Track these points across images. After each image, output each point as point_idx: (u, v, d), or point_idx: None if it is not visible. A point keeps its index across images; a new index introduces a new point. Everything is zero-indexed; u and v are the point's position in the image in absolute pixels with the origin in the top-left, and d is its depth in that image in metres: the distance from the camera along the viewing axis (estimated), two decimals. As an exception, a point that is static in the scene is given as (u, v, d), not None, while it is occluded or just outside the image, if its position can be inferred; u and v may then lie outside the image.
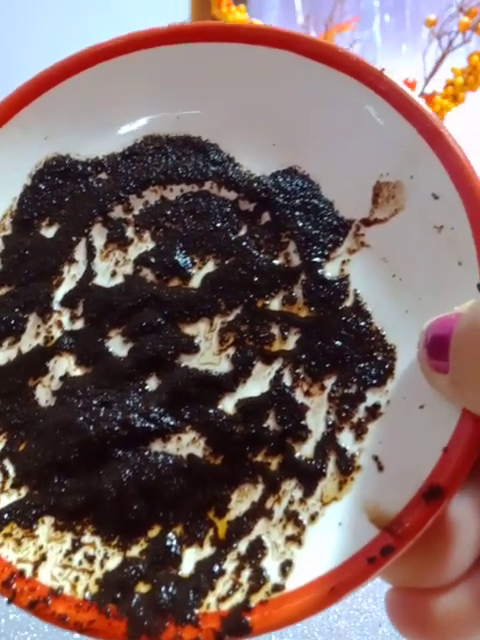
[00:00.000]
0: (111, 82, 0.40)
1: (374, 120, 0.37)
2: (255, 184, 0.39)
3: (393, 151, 0.37)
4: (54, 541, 0.35)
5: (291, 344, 0.37)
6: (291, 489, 0.35)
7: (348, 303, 0.37)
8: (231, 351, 0.37)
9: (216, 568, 0.34)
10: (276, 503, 0.35)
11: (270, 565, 0.34)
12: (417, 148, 0.35)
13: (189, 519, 0.35)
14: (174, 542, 0.35)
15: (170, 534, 0.35)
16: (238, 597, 0.33)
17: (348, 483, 0.34)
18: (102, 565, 0.34)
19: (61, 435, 0.36)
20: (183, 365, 0.37)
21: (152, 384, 0.37)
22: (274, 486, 0.35)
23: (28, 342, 0.39)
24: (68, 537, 0.35)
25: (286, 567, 0.33)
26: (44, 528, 0.35)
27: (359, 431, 0.35)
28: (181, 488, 0.35)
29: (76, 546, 0.35)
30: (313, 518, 0.34)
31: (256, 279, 0.38)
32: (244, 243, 0.39)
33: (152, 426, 0.36)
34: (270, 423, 0.36)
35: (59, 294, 0.39)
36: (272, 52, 0.38)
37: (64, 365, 0.38)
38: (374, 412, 0.35)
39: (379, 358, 0.36)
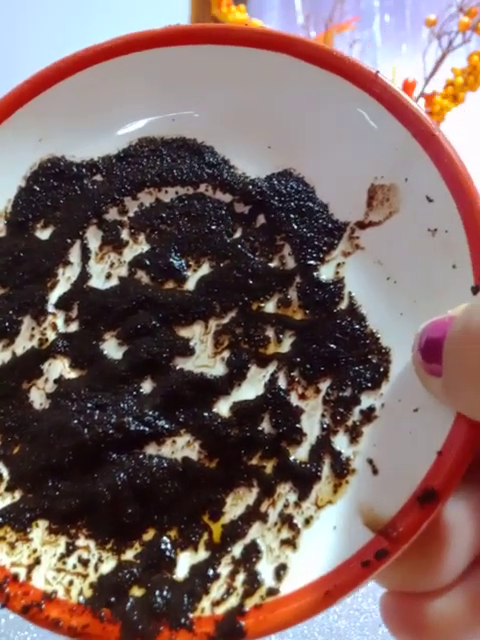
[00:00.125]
0: (106, 84, 0.40)
1: (368, 123, 0.37)
2: (250, 186, 0.39)
3: (387, 154, 0.36)
4: (48, 545, 0.35)
5: (286, 347, 0.37)
6: (286, 492, 0.35)
7: (343, 306, 0.37)
8: (226, 354, 0.37)
9: (211, 572, 0.34)
10: (271, 507, 0.35)
11: (265, 569, 0.33)
12: (411, 151, 0.35)
13: (184, 523, 0.35)
14: (169, 546, 0.35)
15: (165, 538, 0.35)
16: (233, 601, 0.33)
17: (343, 486, 0.34)
18: (96, 569, 0.34)
19: (55, 438, 0.36)
20: (178, 368, 0.37)
21: (147, 387, 0.37)
22: (269, 489, 0.35)
23: (22, 344, 0.39)
24: (62, 541, 0.35)
25: (281, 571, 0.33)
26: (38, 531, 0.35)
27: (354, 434, 0.35)
28: (176, 491, 0.35)
29: (70, 550, 0.35)
30: (308, 522, 0.34)
31: (251, 282, 0.38)
32: (239, 246, 0.39)
33: (147, 429, 0.36)
34: (265, 426, 0.36)
35: (54, 296, 0.39)
36: (267, 54, 0.38)
37: (58, 368, 0.38)
38: (369, 415, 0.35)
39: (374, 361, 0.36)
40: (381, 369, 0.35)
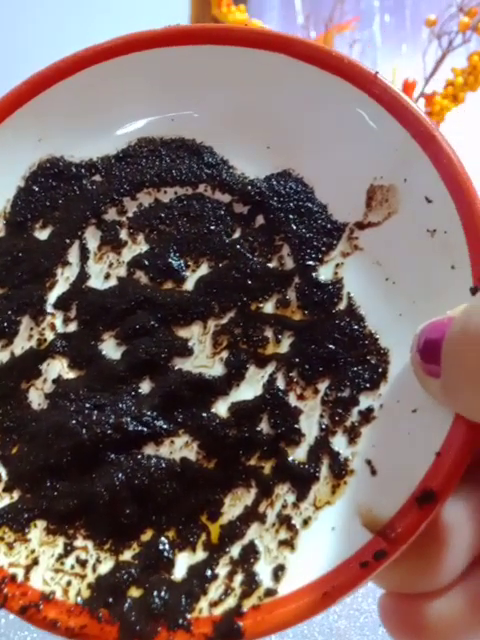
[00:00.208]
0: (105, 84, 0.40)
1: (368, 123, 0.37)
2: (249, 187, 0.39)
3: (387, 154, 0.36)
4: (46, 545, 0.35)
5: (285, 347, 0.37)
6: (284, 493, 0.35)
7: (342, 306, 0.37)
8: (225, 354, 0.37)
9: (208, 572, 0.34)
10: (269, 507, 0.35)
11: (263, 570, 0.33)
12: (410, 151, 0.35)
13: (182, 523, 0.35)
14: (167, 546, 0.35)
15: (163, 538, 0.35)
16: (230, 602, 0.33)
17: (341, 487, 0.34)
18: (94, 569, 0.34)
19: (54, 438, 0.36)
20: (176, 368, 0.37)
21: (145, 387, 0.37)
22: (267, 490, 0.35)
23: (21, 344, 0.39)
24: (60, 541, 0.35)
25: (279, 572, 0.33)
26: (36, 532, 0.35)
27: (352, 435, 0.35)
28: (174, 492, 0.35)
29: (68, 550, 0.35)
30: (306, 522, 0.34)
31: (250, 282, 0.38)
32: (238, 246, 0.39)
33: (145, 430, 0.36)
34: (263, 427, 0.36)
35: (52, 296, 0.39)
36: (266, 55, 0.38)
37: (57, 368, 0.38)
38: (367, 416, 0.35)
39: (373, 362, 0.36)
40: (380, 370, 0.35)
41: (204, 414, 0.36)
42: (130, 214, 0.40)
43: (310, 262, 0.38)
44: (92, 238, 0.40)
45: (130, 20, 0.68)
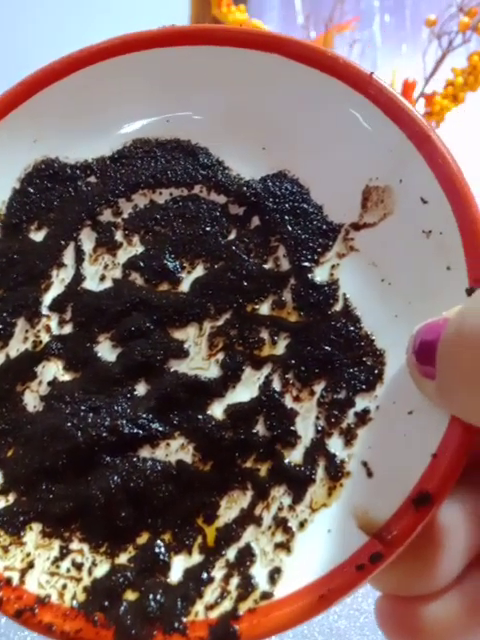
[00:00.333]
0: (100, 85, 0.40)
1: (363, 124, 0.37)
2: (244, 188, 0.39)
3: (382, 155, 0.36)
4: (42, 548, 0.35)
5: (281, 349, 0.37)
6: (280, 495, 0.35)
7: (337, 308, 0.37)
8: (220, 356, 0.37)
9: (204, 575, 0.34)
10: (265, 510, 0.35)
11: (259, 572, 0.33)
12: (406, 152, 0.35)
13: (178, 526, 0.35)
14: (162, 549, 0.34)
15: (158, 541, 0.35)
16: (226, 605, 0.33)
17: (337, 489, 0.34)
18: (90, 572, 0.34)
19: (49, 441, 0.36)
20: (172, 370, 0.37)
21: (141, 389, 0.37)
22: (263, 492, 0.35)
23: (16, 347, 0.39)
24: (56, 544, 0.35)
25: (275, 574, 0.33)
26: (32, 535, 0.35)
27: (348, 437, 0.35)
28: (170, 494, 0.35)
29: (64, 553, 0.35)
30: (302, 525, 0.34)
31: (245, 283, 0.38)
32: (233, 247, 0.38)
33: (140, 432, 0.36)
34: (259, 429, 0.36)
35: (48, 298, 0.39)
36: (261, 55, 0.38)
37: (52, 370, 0.38)
38: (363, 417, 0.35)
39: (368, 363, 0.35)
40: (376, 371, 0.35)
41: (200, 416, 0.36)
42: (125, 215, 0.40)
43: (306, 263, 0.38)
44: (87, 240, 0.40)
45: (130, 20, 0.68)
